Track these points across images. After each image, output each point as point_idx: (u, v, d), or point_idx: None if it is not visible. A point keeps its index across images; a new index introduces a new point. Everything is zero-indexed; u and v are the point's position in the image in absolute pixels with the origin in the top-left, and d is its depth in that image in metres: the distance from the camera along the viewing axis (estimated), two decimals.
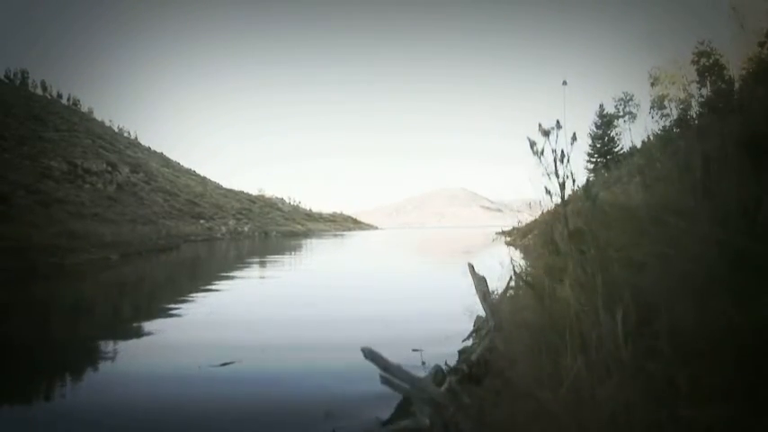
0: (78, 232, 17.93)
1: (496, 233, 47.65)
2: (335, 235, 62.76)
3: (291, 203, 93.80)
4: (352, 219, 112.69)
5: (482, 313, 4.03)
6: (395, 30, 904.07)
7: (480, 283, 3.65)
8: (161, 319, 7.54)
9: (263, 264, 19.41)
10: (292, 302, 9.05)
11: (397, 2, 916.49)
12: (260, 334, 6.32)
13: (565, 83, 32.44)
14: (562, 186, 2.02)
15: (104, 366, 5.22)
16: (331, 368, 4.69)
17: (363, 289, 11.33)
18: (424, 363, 4.06)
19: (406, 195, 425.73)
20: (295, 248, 31.13)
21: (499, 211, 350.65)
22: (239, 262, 20.84)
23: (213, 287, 11.60)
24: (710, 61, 25.29)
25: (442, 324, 5.81)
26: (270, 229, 59.79)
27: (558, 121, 1.91)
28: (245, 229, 54.85)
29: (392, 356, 2.87)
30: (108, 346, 6.15)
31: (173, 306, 8.63)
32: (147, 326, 6.98)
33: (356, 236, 60.81)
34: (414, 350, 4.67)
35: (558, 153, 1.94)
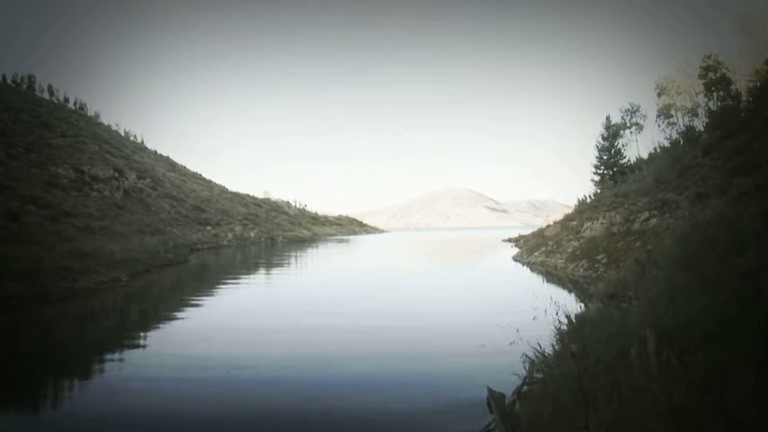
0: (88, 251, 18.08)
1: (502, 240, 48.01)
2: (342, 240, 62.73)
3: (297, 206, 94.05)
4: (357, 221, 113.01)
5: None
6: (399, 31, 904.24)
7: (498, 401, 3.70)
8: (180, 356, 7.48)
9: (269, 280, 19.58)
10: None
11: (402, 3, 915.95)
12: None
13: None
14: None
15: None
16: None
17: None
18: None
19: (411, 196, 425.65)
20: (303, 257, 31.40)
21: (504, 212, 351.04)
22: (245, 272, 21.28)
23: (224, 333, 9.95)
24: (718, 75, 25.24)
25: None
26: (276, 234, 59.96)
27: None
28: (252, 234, 54.97)
29: None
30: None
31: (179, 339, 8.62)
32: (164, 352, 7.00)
33: (364, 241, 60.85)
34: None
35: None
